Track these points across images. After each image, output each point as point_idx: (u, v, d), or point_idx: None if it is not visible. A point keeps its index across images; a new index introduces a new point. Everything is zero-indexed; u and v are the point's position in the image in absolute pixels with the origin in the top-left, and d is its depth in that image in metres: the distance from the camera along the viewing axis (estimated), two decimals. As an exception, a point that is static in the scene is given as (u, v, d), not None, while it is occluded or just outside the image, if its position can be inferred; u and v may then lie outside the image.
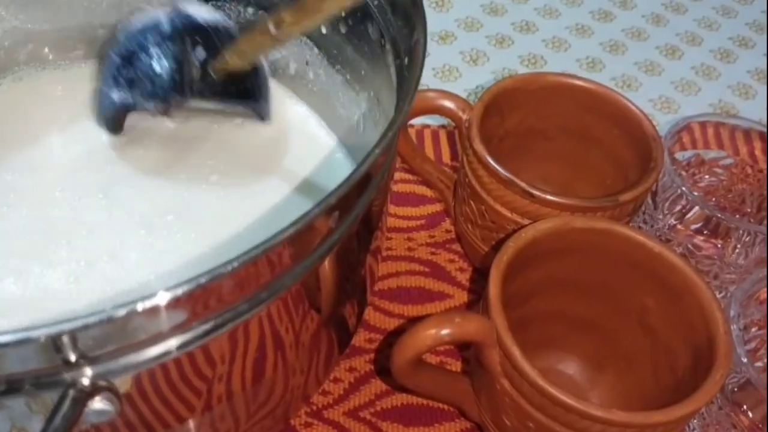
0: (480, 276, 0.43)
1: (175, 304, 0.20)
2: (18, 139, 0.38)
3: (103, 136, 0.38)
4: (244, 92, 0.37)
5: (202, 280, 0.20)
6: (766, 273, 0.35)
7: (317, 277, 0.28)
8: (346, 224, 0.27)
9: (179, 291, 0.20)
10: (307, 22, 0.29)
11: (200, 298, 0.22)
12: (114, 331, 0.20)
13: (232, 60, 0.34)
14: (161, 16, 0.36)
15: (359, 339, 0.40)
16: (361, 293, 0.34)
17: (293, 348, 0.30)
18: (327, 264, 0.28)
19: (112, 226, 0.35)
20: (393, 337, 0.41)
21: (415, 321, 0.41)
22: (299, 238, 0.24)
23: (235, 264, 0.21)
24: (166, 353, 0.22)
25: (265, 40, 0.32)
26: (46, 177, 0.37)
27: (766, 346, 0.37)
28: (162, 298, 0.19)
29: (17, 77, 0.41)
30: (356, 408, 0.38)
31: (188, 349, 0.23)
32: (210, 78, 0.36)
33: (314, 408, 0.37)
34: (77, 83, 0.41)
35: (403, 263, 0.44)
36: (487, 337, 0.30)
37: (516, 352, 0.29)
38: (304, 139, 0.40)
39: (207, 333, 0.23)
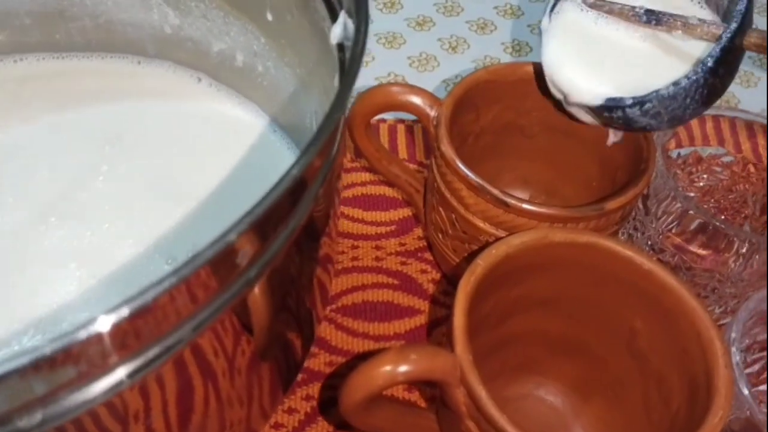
0: (452, 288, 0.39)
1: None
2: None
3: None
4: None
5: (79, 335, 0.16)
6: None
7: (246, 304, 0.24)
8: (278, 242, 0.23)
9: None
10: None
11: (78, 355, 0.18)
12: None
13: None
14: None
15: (318, 363, 0.36)
16: (308, 312, 0.30)
17: (228, 382, 0.26)
18: (258, 289, 0.24)
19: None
20: (357, 360, 0.37)
21: (381, 341, 0.37)
22: (207, 272, 0.20)
23: (115, 317, 0.17)
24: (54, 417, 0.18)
25: None
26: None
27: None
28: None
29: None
30: (313, 442, 0.34)
31: (88, 407, 0.20)
32: None
33: (266, 443, 0.34)
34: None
35: (369, 275, 0.40)
36: (448, 375, 0.25)
37: (482, 393, 0.25)
38: (251, 143, 0.35)
39: (109, 390, 0.20)
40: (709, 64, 0.28)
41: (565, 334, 0.33)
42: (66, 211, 0.32)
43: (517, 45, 0.54)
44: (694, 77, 0.29)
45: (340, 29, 0.25)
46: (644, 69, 0.31)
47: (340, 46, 0.25)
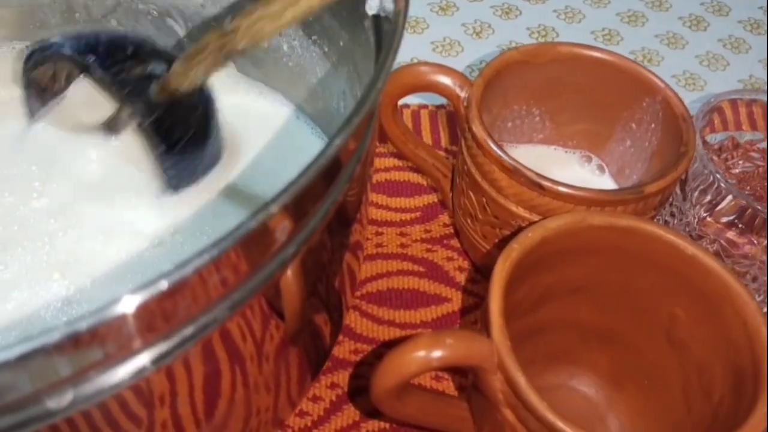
0: (481, 276, 0.38)
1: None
2: None
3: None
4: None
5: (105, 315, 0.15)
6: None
7: (278, 288, 0.23)
8: (310, 226, 0.22)
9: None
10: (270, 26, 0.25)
11: (107, 334, 0.17)
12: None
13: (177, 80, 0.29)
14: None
15: (343, 350, 0.35)
16: (338, 299, 0.30)
17: (256, 368, 0.25)
18: (291, 271, 0.23)
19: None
20: (383, 348, 0.36)
21: (407, 329, 0.36)
22: (243, 249, 0.19)
23: (142, 296, 0.16)
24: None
25: (217, 54, 0.27)
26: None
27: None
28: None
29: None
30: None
31: (116, 390, 0.19)
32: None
33: None
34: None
35: (394, 262, 0.39)
36: (485, 361, 0.24)
37: (521, 379, 0.24)
38: (275, 132, 0.35)
39: (137, 373, 0.19)
40: None
41: (600, 323, 0.32)
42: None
43: (543, 30, 0.53)
44: None
45: None
46: None
47: (376, 18, 0.24)
